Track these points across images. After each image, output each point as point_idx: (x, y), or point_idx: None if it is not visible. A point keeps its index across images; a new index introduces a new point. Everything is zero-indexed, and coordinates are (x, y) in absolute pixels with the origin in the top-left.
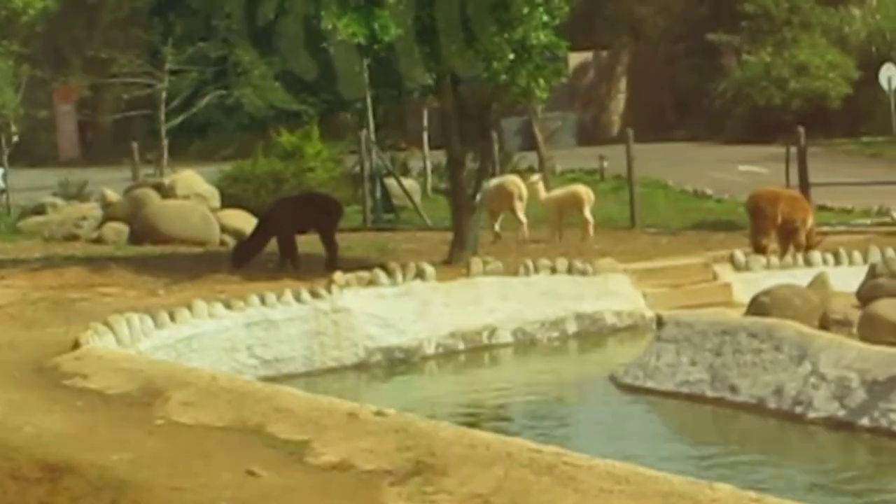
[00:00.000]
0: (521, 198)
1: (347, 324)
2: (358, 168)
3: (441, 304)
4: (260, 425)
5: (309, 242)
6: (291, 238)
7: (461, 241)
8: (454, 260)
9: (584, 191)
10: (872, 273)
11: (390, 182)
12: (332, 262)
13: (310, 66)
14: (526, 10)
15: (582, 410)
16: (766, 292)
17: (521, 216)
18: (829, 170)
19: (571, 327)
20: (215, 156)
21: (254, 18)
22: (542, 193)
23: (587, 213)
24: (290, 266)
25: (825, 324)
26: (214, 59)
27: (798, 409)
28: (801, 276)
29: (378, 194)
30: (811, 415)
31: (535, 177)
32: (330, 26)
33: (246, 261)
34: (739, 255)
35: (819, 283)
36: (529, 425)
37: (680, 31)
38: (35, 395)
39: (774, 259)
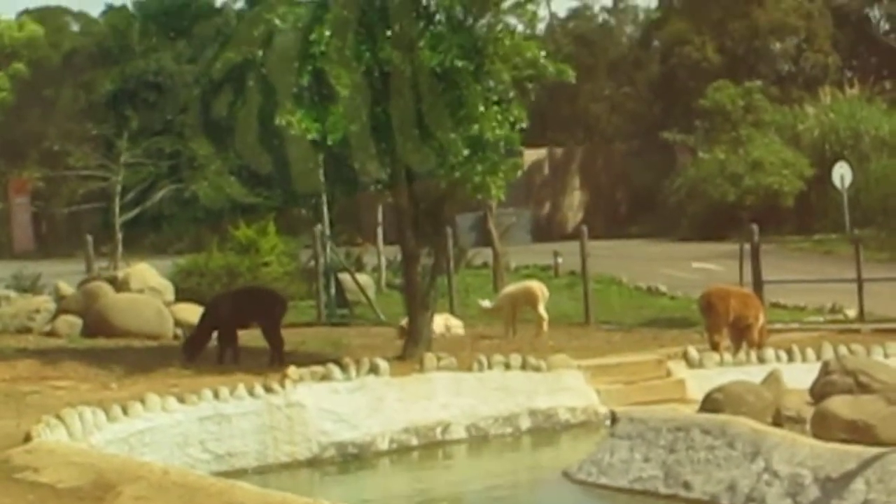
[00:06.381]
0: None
1: (301, 418)
2: (312, 263)
3: (394, 399)
4: None
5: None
6: (231, 331)
7: (415, 336)
8: (408, 355)
9: (537, 287)
10: (825, 370)
11: (345, 277)
12: (276, 357)
13: (264, 160)
14: (482, 108)
15: None
16: (719, 389)
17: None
18: (783, 267)
19: (525, 423)
20: (170, 249)
21: (209, 113)
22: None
23: (541, 309)
24: (230, 359)
25: (778, 421)
26: (169, 152)
27: None
28: (754, 373)
29: (332, 289)
30: None
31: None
32: (284, 122)
33: (196, 354)
34: (693, 351)
35: (772, 379)
36: None
37: (634, 129)
38: None
39: (728, 356)
